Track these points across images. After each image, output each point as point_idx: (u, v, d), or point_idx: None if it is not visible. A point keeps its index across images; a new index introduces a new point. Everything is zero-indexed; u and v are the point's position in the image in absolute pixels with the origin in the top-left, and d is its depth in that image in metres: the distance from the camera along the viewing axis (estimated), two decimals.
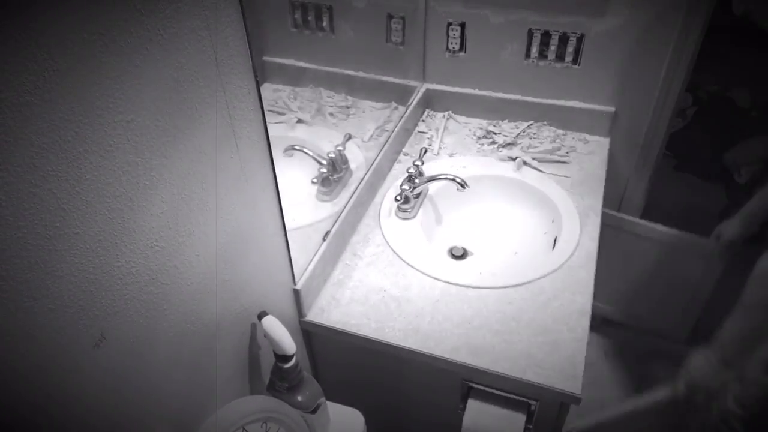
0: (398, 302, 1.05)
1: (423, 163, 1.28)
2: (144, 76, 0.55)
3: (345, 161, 1.15)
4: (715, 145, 2.33)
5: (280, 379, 0.86)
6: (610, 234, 1.51)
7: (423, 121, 1.58)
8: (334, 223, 1.11)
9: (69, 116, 0.47)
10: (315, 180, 1.09)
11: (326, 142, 1.11)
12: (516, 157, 1.34)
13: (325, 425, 0.92)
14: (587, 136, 1.48)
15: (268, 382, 0.90)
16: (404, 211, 1.24)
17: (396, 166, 1.42)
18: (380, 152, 1.32)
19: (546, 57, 1.41)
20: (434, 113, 1.60)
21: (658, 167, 1.54)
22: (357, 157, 1.22)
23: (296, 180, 1.04)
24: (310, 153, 1.06)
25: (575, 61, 1.39)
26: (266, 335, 0.82)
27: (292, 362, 0.83)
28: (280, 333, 0.82)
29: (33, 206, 0.46)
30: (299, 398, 0.86)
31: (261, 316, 0.84)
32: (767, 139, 2.18)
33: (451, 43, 1.47)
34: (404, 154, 1.46)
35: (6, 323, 0.46)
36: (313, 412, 0.86)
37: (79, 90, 0.48)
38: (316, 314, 1.04)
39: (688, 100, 2.43)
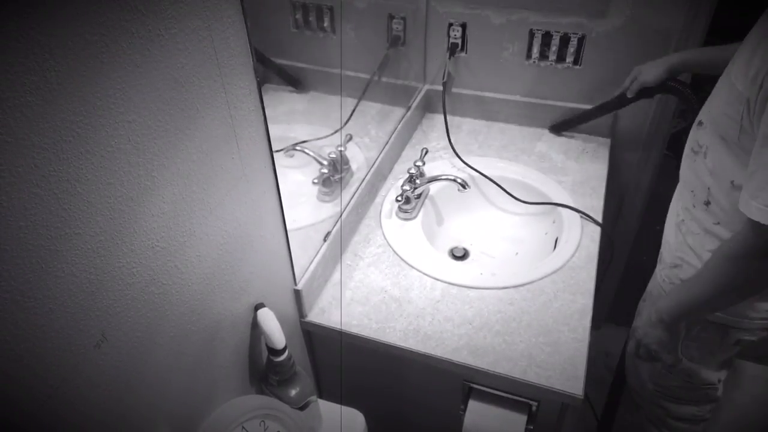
0: (399, 303, 1.05)
1: (424, 164, 1.28)
2: (145, 76, 0.55)
3: (346, 162, 1.15)
4: None
5: (273, 373, 0.87)
6: None
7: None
8: (335, 223, 1.11)
9: (70, 117, 0.47)
10: (316, 180, 1.09)
11: (327, 142, 1.11)
12: None
13: (316, 426, 0.92)
14: (588, 137, 1.48)
15: (262, 375, 0.90)
16: (405, 211, 1.24)
17: (397, 166, 1.42)
18: (381, 152, 1.32)
19: (547, 57, 1.41)
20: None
21: (659, 168, 1.53)
22: (358, 157, 1.22)
23: (297, 180, 1.04)
24: (311, 153, 1.06)
25: (576, 61, 1.39)
26: (259, 327, 0.84)
27: (284, 356, 0.84)
28: (271, 326, 0.83)
29: (34, 207, 0.46)
30: (289, 393, 0.86)
31: (258, 307, 0.85)
32: None
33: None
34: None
35: (7, 323, 0.46)
36: (302, 408, 0.87)
37: (81, 90, 0.48)
38: (317, 315, 1.04)
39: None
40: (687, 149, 1.01)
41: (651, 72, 1.18)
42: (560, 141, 1.48)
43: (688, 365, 1.11)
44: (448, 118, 1.59)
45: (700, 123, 0.95)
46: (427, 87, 1.57)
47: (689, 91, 1.16)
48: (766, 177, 0.75)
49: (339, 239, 1.13)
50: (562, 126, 1.47)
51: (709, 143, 0.91)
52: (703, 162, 0.94)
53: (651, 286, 1.17)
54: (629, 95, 1.24)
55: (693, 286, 0.93)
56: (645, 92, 1.22)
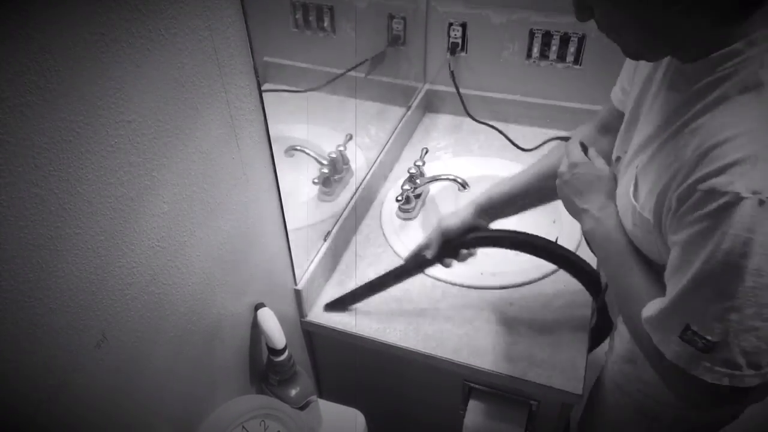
0: (399, 302, 1.05)
1: (424, 164, 1.28)
2: (145, 76, 0.55)
3: (346, 161, 1.15)
4: None
5: (273, 373, 0.87)
6: None
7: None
8: (335, 223, 1.11)
9: (70, 116, 0.47)
10: (316, 180, 1.09)
11: (327, 142, 1.11)
12: None
13: (316, 426, 0.93)
14: None
15: (262, 375, 0.90)
16: (405, 211, 1.24)
17: (397, 166, 1.42)
18: (381, 152, 1.32)
19: (547, 57, 1.40)
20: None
21: None
22: (358, 157, 1.22)
23: (297, 180, 1.04)
24: (311, 153, 1.06)
25: (576, 61, 1.39)
26: (259, 327, 0.84)
27: (284, 356, 0.84)
28: (271, 326, 0.83)
29: (34, 206, 0.46)
30: (289, 393, 0.86)
31: (258, 307, 0.85)
32: None
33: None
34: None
35: (7, 323, 0.46)
36: (303, 408, 0.87)
37: (81, 90, 0.48)
38: (317, 314, 1.04)
39: None
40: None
41: (453, 219, 0.96)
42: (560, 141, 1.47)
43: None
44: (448, 117, 1.59)
45: (619, 158, 0.79)
46: (427, 87, 1.57)
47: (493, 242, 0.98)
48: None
49: (339, 239, 1.13)
50: (338, 304, 1.05)
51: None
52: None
53: (604, 374, 0.93)
54: (428, 254, 0.97)
55: (634, 287, 0.70)
56: (448, 251, 0.98)
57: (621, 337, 0.87)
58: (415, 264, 1.00)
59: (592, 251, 0.85)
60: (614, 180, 0.78)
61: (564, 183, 0.81)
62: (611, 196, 0.77)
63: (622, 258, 0.72)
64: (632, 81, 0.77)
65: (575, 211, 0.80)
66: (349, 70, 1.12)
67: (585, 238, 0.81)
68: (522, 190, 0.95)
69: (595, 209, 0.77)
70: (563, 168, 0.82)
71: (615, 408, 0.91)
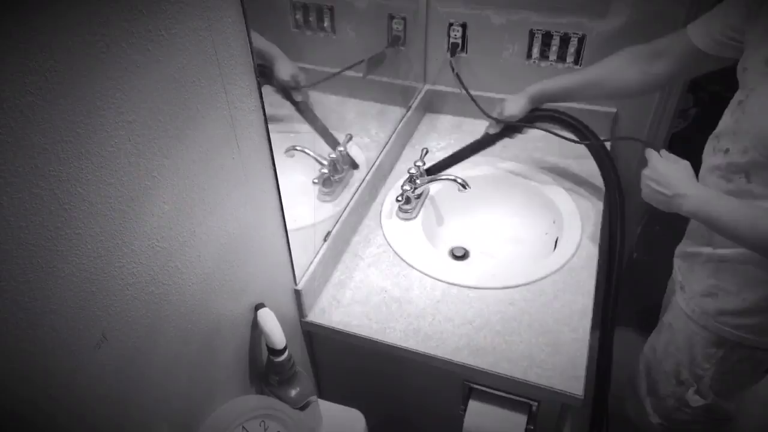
0: (399, 303, 1.05)
1: (424, 164, 1.28)
2: (146, 76, 0.55)
3: (346, 161, 1.15)
4: None
5: (273, 373, 0.87)
6: None
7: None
8: (335, 223, 1.11)
9: (70, 117, 0.47)
10: (316, 180, 1.09)
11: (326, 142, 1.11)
12: None
13: (316, 426, 0.93)
14: None
15: (262, 375, 0.90)
16: (405, 211, 1.24)
17: (397, 166, 1.42)
18: (381, 152, 1.32)
19: (547, 57, 1.41)
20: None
21: None
22: (358, 157, 1.22)
23: (297, 180, 1.04)
24: (312, 153, 1.06)
25: (577, 61, 1.39)
26: (259, 327, 0.84)
27: (284, 356, 0.84)
28: (271, 326, 0.83)
29: (34, 207, 0.46)
30: (289, 393, 0.87)
31: (258, 307, 0.85)
32: None
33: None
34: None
35: (7, 324, 0.46)
36: (303, 408, 0.87)
37: (81, 90, 0.48)
38: (317, 315, 1.04)
39: (689, 101, 2.43)
40: (712, 178, 0.92)
41: (513, 107, 1.18)
42: (560, 141, 1.47)
43: (715, 401, 1.03)
44: (448, 117, 1.59)
45: (727, 150, 0.87)
46: (427, 87, 1.57)
47: (564, 116, 1.20)
48: None
49: (339, 239, 1.13)
50: (436, 169, 1.33)
51: (752, 167, 0.83)
52: (745, 187, 0.85)
53: (672, 317, 1.06)
54: (490, 131, 1.25)
55: (738, 217, 0.81)
56: (511, 126, 1.24)
57: (698, 277, 0.98)
58: (486, 139, 1.28)
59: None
60: (689, 165, 0.92)
61: (648, 180, 0.94)
62: (692, 176, 0.90)
63: (734, 205, 0.83)
64: (746, 24, 0.85)
65: (666, 202, 0.91)
66: (345, 69, 1.12)
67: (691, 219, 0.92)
68: (571, 89, 1.15)
69: (683, 189, 0.88)
70: (646, 171, 0.96)
71: (687, 341, 1.02)
